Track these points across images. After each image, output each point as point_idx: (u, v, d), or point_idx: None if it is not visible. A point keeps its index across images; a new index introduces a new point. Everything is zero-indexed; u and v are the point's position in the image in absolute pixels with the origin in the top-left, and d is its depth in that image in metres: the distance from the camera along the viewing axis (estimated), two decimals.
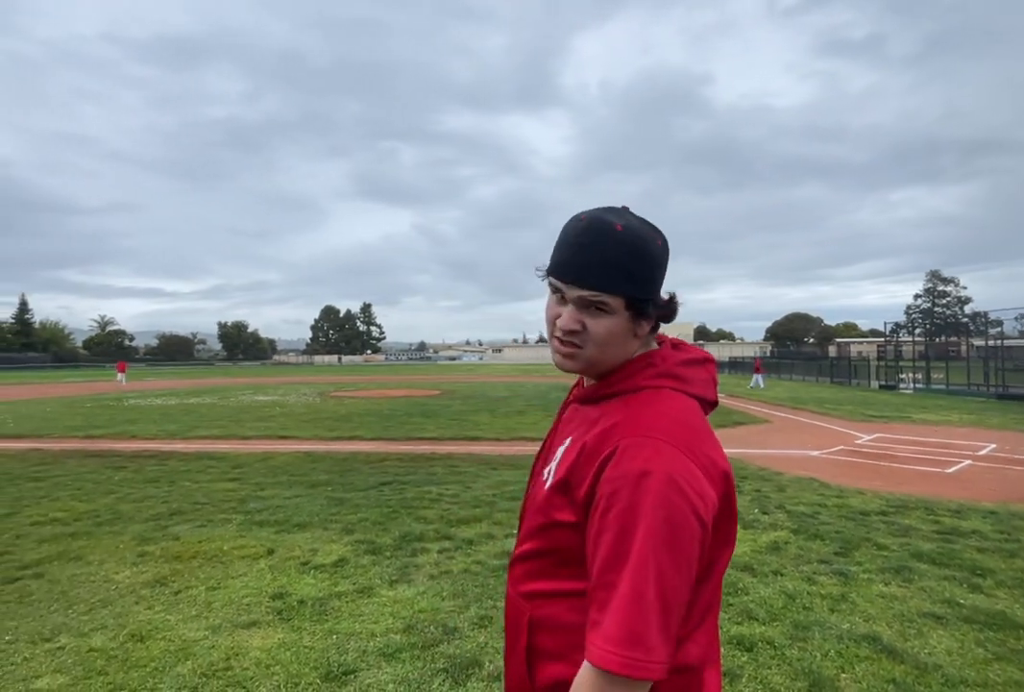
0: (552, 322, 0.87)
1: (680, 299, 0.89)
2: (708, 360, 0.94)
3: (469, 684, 2.53)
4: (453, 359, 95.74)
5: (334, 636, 2.94)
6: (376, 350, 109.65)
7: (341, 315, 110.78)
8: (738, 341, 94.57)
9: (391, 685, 2.52)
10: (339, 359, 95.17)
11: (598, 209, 0.86)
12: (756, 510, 5.28)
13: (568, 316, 0.84)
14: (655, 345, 0.92)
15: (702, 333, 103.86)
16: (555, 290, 0.86)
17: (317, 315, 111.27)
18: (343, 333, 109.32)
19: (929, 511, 5.22)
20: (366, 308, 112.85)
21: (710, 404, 0.91)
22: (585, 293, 0.82)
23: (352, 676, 2.59)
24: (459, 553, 4.12)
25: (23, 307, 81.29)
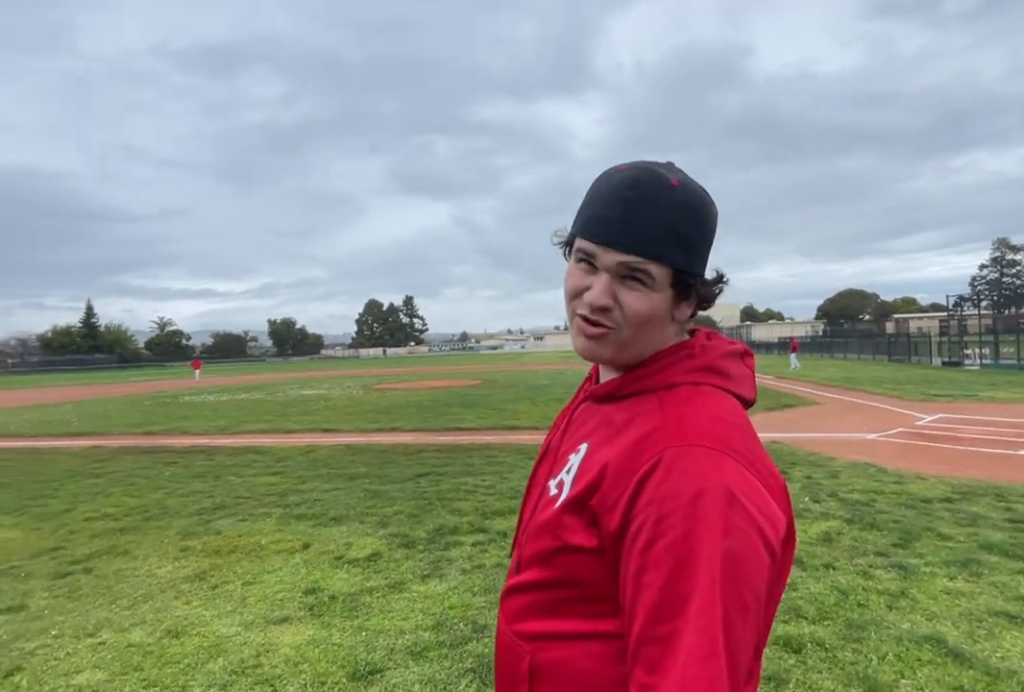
0: (576, 296, 0.71)
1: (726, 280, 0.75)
2: (747, 353, 0.78)
3: None
4: (495, 348, 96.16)
5: (363, 633, 2.91)
6: (419, 342, 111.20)
7: (384, 309, 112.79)
8: (787, 320, 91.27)
9: (417, 686, 2.46)
10: (384, 352, 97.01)
11: (641, 161, 0.70)
12: (807, 498, 5.00)
13: (600, 288, 0.68)
14: (687, 334, 0.77)
15: (749, 314, 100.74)
16: (582, 257, 0.70)
17: (361, 309, 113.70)
18: (387, 326, 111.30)
19: (1000, 497, 4.82)
20: (408, 301, 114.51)
21: (748, 404, 0.76)
22: (627, 259, 0.67)
23: (379, 675, 2.54)
24: (493, 546, 4.04)
25: (89, 312, 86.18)
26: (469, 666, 2.59)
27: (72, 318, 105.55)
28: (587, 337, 0.71)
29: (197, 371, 35.56)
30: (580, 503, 0.66)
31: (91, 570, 3.88)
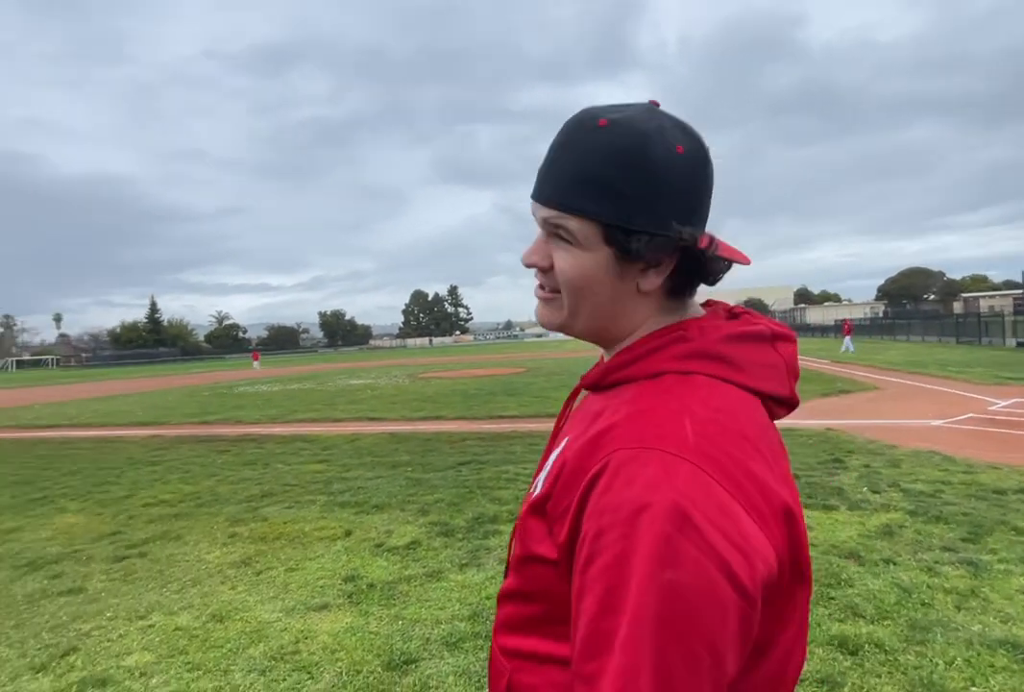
0: None
1: (744, 254, 0.60)
2: (781, 337, 0.62)
3: None
4: (540, 336, 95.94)
5: (400, 622, 2.90)
6: (464, 331, 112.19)
7: (430, 299, 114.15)
8: (845, 302, 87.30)
9: (451, 677, 2.42)
10: (430, 341, 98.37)
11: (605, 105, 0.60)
12: (865, 488, 4.72)
13: (531, 246, 0.62)
14: (697, 311, 0.63)
15: (803, 296, 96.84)
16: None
17: (407, 300, 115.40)
18: (432, 316, 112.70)
19: None
20: (453, 290, 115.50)
21: (782, 403, 0.60)
22: (547, 213, 0.59)
23: (413, 665, 2.52)
24: None
25: (153, 308, 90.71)
26: None
27: (138, 314, 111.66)
28: (539, 301, 0.64)
29: (256, 362, 37.68)
30: (541, 507, 0.56)
31: (146, 554, 4.03)
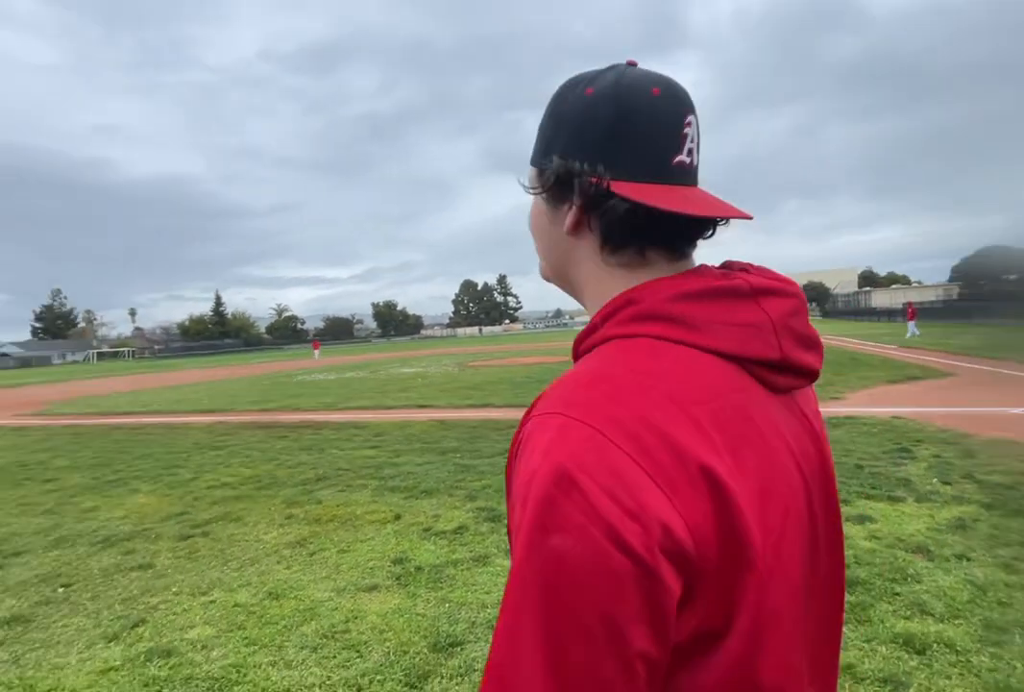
0: None
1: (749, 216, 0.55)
2: (767, 292, 0.54)
3: None
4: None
5: (446, 605, 2.93)
6: (514, 320, 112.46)
7: (479, 288, 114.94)
8: (914, 284, 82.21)
9: None
10: (479, 330, 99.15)
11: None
12: (935, 479, 4.44)
13: None
14: (670, 272, 0.56)
15: (869, 279, 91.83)
16: None
17: (457, 290, 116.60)
18: (482, 305, 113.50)
19: None
20: (502, 279, 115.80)
21: (776, 368, 0.53)
22: None
23: (459, 648, 2.54)
24: None
25: (218, 301, 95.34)
26: None
27: (204, 307, 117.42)
28: None
29: (316, 351, 39.55)
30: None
31: (208, 534, 4.23)
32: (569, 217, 0.57)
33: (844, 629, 2.34)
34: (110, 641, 2.79)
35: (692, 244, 0.58)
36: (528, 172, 0.61)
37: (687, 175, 0.56)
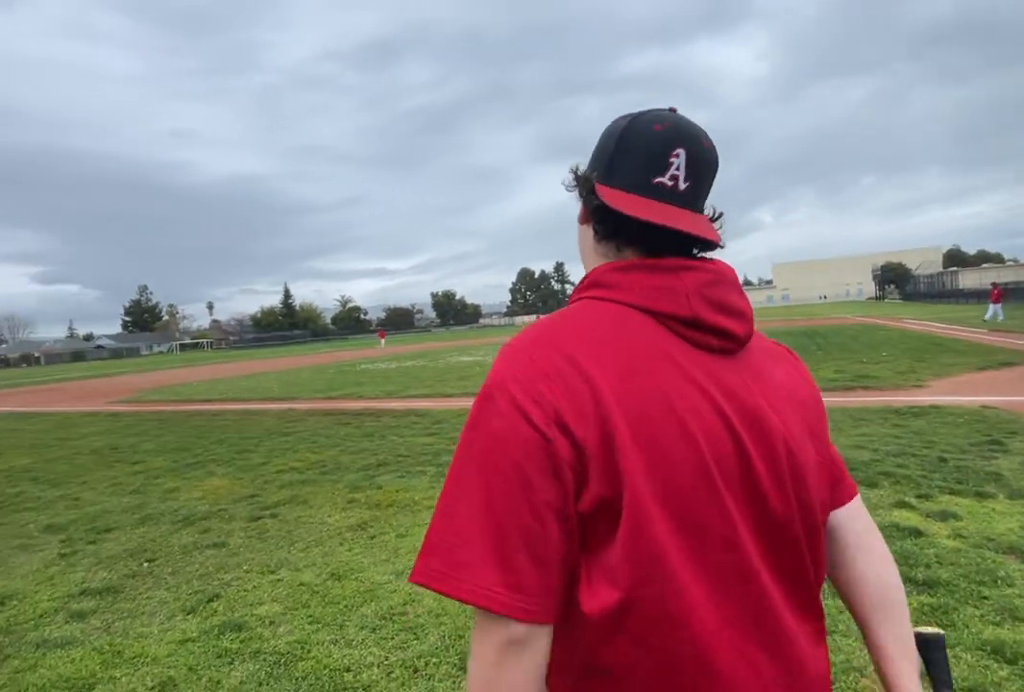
0: None
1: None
2: (688, 269, 0.69)
3: None
4: None
5: None
6: None
7: (536, 276, 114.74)
8: (1009, 263, 75.26)
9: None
10: (537, 318, 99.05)
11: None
12: None
13: None
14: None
15: (954, 258, 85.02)
16: None
17: (514, 278, 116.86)
18: (539, 293, 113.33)
19: None
20: (559, 267, 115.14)
21: (689, 325, 0.67)
22: None
23: None
24: None
25: (286, 294, 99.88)
26: None
27: (274, 300, 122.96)
28: None
29: (382, 340, 41.73)
30: None
31: (277, 515, 4.44)
32: (580, 209, 0.77)
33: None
34: (188, 614, 2.98)
35: (674, 251, 0.70)
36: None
37: (670, 195, 0.69)
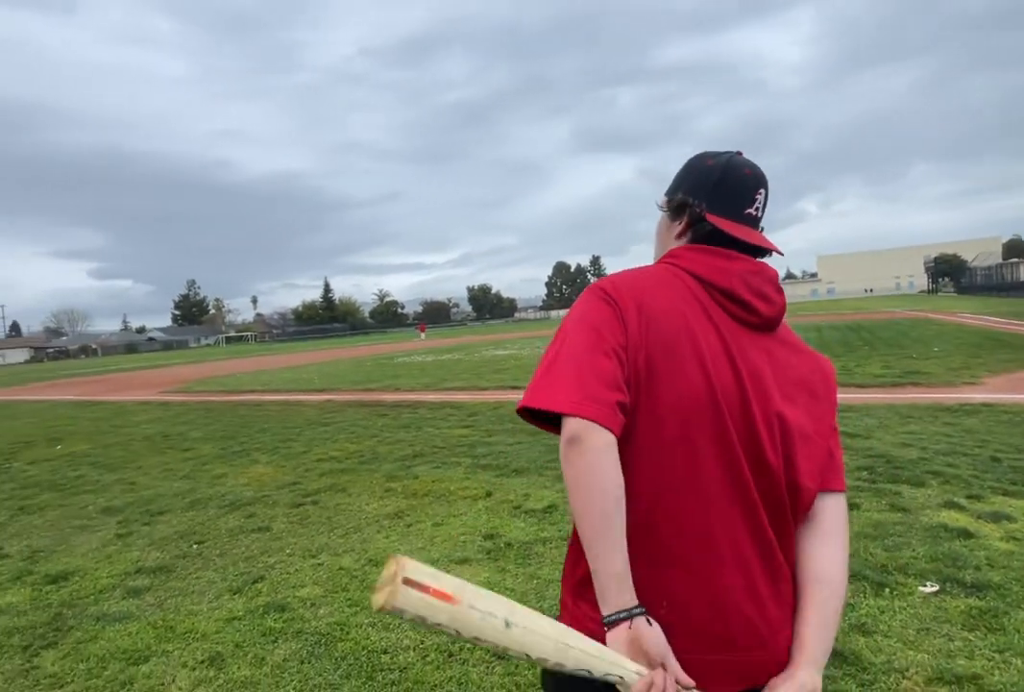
0: None
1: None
2: (737, 258, 0.97)
3: None
4: None
5: (534, 581, 2.98)
6: None
7: (572, 270, 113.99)
8: None
9: None
10: None
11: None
12: None
13: None
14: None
15: (1016, 249, 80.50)
16: None
17: (550, 272, 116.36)
18: (575, 287, 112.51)
19: None
20: (595, 261, 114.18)
21: (723, 294, 0.94)
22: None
23: None
24: None
25: (326, 288, 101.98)
26: None
27: (315, 294, 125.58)
28: None
29: (423, 333, 43.35)
30: None
31: (318, 502, 4.57)
32: (679, 228, 1.03)
33: (970, 635, 2.08)
34: (234, 594, 3.11)
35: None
36: (661, 197, 1.07)
37: (751, 221, 1.00)
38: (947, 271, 66.29)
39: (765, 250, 1.00)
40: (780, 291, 0.96)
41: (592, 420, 0.80)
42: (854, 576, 2.73)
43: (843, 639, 2.30)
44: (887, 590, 2.63)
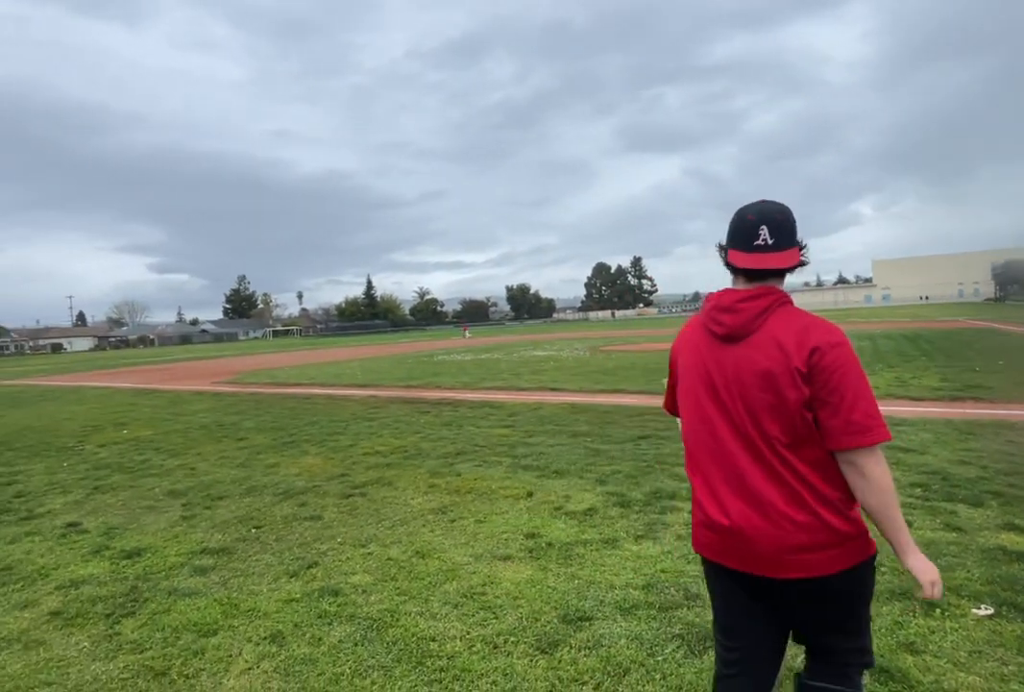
0: None
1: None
2: (705, 301, 1.54)
3: (706, 657, 2.36)
4: None
5: (575, 581, 3.06)
6: (648, 303, 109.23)
7: (612, 271, 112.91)
8: None
9: (623, 640, 2.50)
10: (612, 314, 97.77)
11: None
12: None
13: None
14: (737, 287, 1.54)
15: None
16: None
17: (590, 273, 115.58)
18: (615, 288, 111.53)
19: None
20: (636, 262, 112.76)
21: (707, 330, 1.50)
22: None
23: (587, 623, 2.66)
24: None
25: (369, 285, 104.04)
26: (677, 631, 2.54)
27: (358, 291, 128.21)
28: None
29: (466, 332, 46.30)
30: None
31: (366, 495, 4.76)
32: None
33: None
34: (291, 577, 3.30)
35: (760, 277, 1.44)
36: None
37: (764, 248, 1.41)
38: (1018, 278, 62.48)
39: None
40: (738, 310, 1.41)
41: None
42: (902, 595, 2.72)
43: (890, 656, 2.30)
44: (938, 610, 2.61)
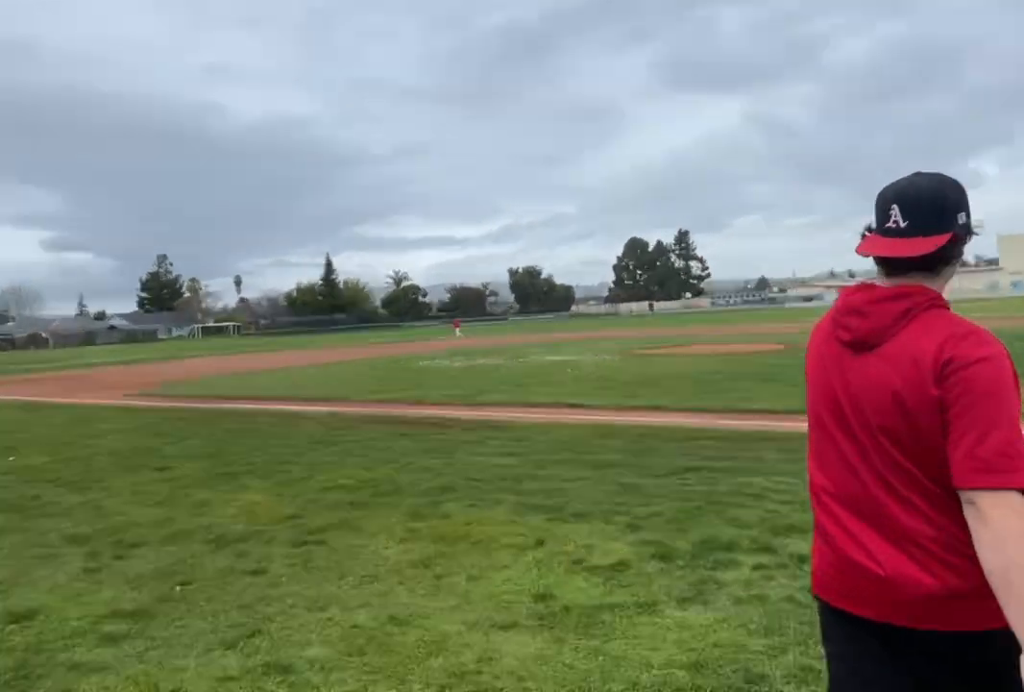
0: None
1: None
2: (860, 288, 1.54)
3: None
4: (809, 299, 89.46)
5: (600, 657, 3.08)
6: (698, 292, 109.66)
7: (650, 249, 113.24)
8: None
9: None
10: (650, 306, 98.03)
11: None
12: None
13: None
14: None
15: None
16: None
17: (620, 252, 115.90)
18: (654, 272, 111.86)
19: None
20: (682, 237, 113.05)
21: (834, 334, 1.56)
22: None
23: None
24: (783, 573, 3.88)
25: (328, 268, 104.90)
26: None
27: (313, 275, 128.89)
28: None
29: (457, 330, 46.60)
30: None
31: (324, 542, 4.81)
32: None
33: None
34: (227, 648, 3.34)
35: (902, 271, 1.46)
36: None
37: (896, 232, 1.44)
38: None
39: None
40: (870, 315, 1.44)
41: None
42: None
43: None
44: None
